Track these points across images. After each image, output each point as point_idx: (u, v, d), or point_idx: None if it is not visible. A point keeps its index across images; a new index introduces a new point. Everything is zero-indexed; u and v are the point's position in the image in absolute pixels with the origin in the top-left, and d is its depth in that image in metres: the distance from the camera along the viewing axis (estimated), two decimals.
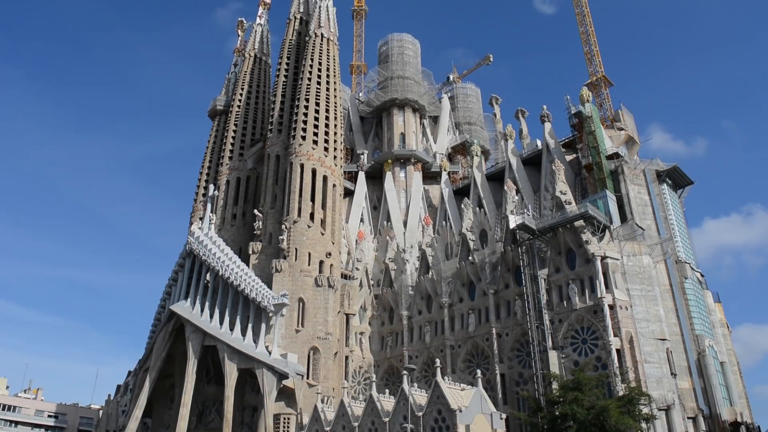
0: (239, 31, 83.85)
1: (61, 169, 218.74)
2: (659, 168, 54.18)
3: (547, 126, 63.59)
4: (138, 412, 51.68)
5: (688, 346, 45.01)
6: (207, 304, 51.65)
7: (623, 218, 49.67)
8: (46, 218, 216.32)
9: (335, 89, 63.59)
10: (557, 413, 35.73)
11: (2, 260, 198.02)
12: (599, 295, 43.78)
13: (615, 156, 54.67)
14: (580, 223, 46.91)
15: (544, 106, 64.69)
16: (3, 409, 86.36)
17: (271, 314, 49.01)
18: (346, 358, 55.99)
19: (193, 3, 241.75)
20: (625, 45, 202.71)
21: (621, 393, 37.45)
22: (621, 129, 60.43)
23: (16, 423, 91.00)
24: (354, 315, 58.42)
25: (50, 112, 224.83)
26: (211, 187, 62.68)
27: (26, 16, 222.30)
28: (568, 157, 60.68)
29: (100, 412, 79.24)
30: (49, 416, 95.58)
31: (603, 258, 45.14)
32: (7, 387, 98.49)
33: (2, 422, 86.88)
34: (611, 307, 43.24)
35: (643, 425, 35.50)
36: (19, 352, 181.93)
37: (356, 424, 41.68)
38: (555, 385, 39.20)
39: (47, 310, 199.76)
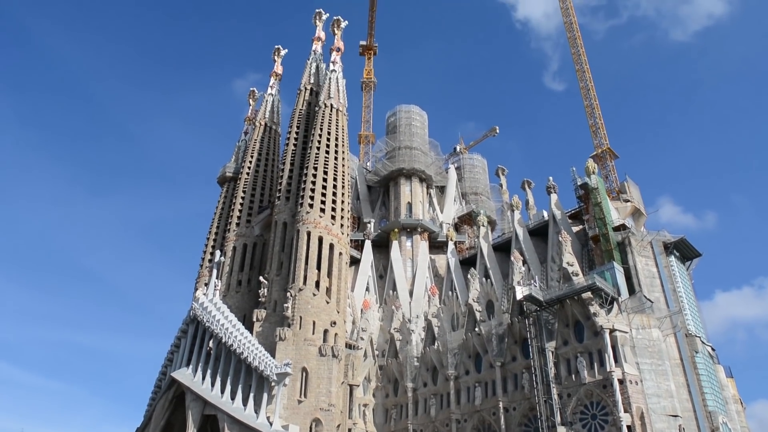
0: (251, 100, 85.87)
1: (70, 230, 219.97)
2: (666, 240, 54.10)
3: (554, 197, 63.97)
4: None
5: (701, 423, 43.72)
6: (209, 371, 50.86)
7: (631, 290, 49.24)
8: (52, 280, 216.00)
9: (343, 158, 64.47)
10: None
11: (3, 321, 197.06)
12: (608, 369, 42.91)
13: (622, 227, 54.72)
14: (587, 294, 46.50)
15: (550, 178, 65.32)
16: None
17: (273, 384, 48.11)
18: (349, 430, 54.51)
19: (212, 72, 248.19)
20: (631, 118, 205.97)
21: None
22: (627, 201, 60.70)
23: None
24: (358, 386, 57.28)
25: (64, 174, 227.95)
26: (218, 252, 62.79)
27: (43, 77, 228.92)
28: (575, 229, 60.75)
29: None
30: None
31: (611, 331, 44.49)
32: None
33: None
34: (621, 382, 42.29)
35: None
36: (15, 417, 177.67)
37: None
38: None
39: (46, 373, 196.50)
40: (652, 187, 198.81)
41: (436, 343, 57.54)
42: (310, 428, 49.82)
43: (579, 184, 58.08)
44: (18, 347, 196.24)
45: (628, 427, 40.59)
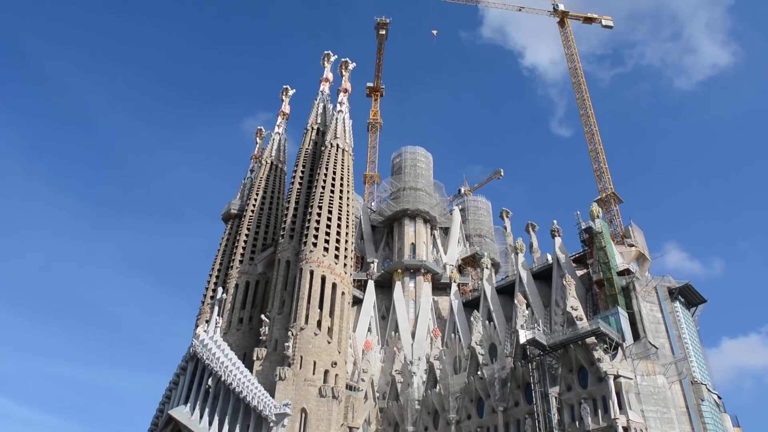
0: (257, 138, 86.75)
1: (73, 264, 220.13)
2: (671, 285, 53.70)
3: (558, 240, 63.86)
4: None
5: None
6: (207, 410, 50.10)
7: (636, 336, 48.67)
8: (53, 313, 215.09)
9: (348, 198, 64.73)
10: None
11: (2, 354, 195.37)
12: (613, 416, 42.08)
13: (626, 272, 54.41)
14: (591, 339, 45.93)
15: (555, 221, 65.28)
16: None
17: (272, 424, 47.34)
18: None
19: (223, 110, 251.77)
20: (637, 164, 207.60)
21: None
22: (632, 245, 60.54)
23: None
24: (358, 429, 56.23)
25: (69, 207, 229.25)
26: (220, 289, 62.52)
27: (51, 109, 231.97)
28: (579, 272, 60.45)
29: None
30: None
31: (616, 377, 43.79)
32: None
33: None
34: (626, 430, 41.41)
35: None
36: None
37: None
38: None
39: (43, 408, 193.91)
40: (657, 232, 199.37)
41: (437, 386, 56.77)
42: None
43: (583, 227, 58.03)
44: (16, 381, 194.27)
45: None
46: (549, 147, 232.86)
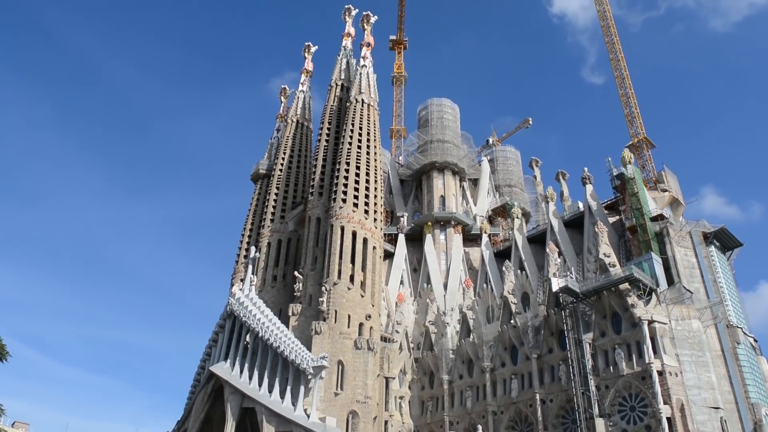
0: (282, 97, 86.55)
1: (109, 230, 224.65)
2: (706, 230, 53.02)
3: (589, 188, 63.17)
4: None
5: (743, 415, 42.80)
6: (246, 365, 51.52)
7: (670, 281, 48.38)
8: (94, 279, 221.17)
9: (375, 153, 64.63)
10: None
11: (51, 319, 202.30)
12: (647, 361, 42.31)
13: (659, 218, 53.77)
14: (625, 286, 45.88)
15: (585, 168, 64.45)
16: None
17: (310, 377, 48.55)
18: (386, 422, 54.81)
19: (251, 71, 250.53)
20: (671, 109, 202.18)
21: None
22: (665, 191, 59.62)
23: None
24: (394, 379, 57.50)
25: (102, 174, 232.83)
26: (253, 249, 63.47)
27: (81, 78, 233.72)
28: (611, 219, 59.92)
29: None
30: None
31: (650, 322, 43.83)
32: None
33: None
34: (660, 374, 41.68)
35: None
36: (60, 411, 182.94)
37: None
38: None
39: (89, 369, 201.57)
40: (693, 177, 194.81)
41: (471, 336, 57.41)
42: (347, 420, 50.23)
43: (615, 174, 57.30)
44: (62, 345, 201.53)
45: (668, 419, 40.01)
46: (580, 95, 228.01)
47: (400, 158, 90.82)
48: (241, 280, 61.38)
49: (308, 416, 47.14)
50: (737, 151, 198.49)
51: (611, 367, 44.53)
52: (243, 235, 72.27)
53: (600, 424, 42.39)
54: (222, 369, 52.18)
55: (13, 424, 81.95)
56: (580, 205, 64.25)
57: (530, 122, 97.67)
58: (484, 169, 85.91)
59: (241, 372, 51.15)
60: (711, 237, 52.76)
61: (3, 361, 16.14)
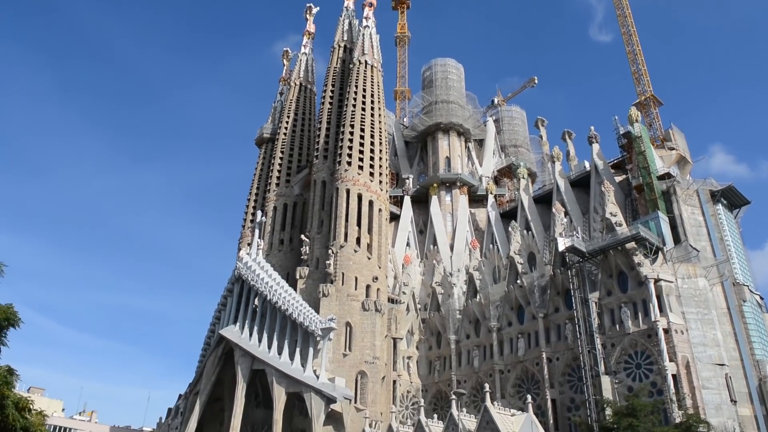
0: (284, 60, 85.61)
1: (116, 197, 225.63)
2: (713, 188, 52.77)
3: (595, 147, 62.72)
4: None
5: (748, 372, 43.22)
6: (255, 328, 52.12)
7: (676, 240, 48.36)
8: (102, 246, 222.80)
9: (380, 115, 64.16)
10: None
11: (61, 287, 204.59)
12: (653, 319, 42.57)
13: (666, 176, 53.51)
14: (631, 245, 45.90)
15: (592, 127, 63.93)
16: (59, 431, 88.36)
17: (318, 338, 49.12)
18: (394, 382, 55.62)
19: (253, 35, 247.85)
20: (680, 66, 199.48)
21: (678, 420, 36.11)
22: (672, 149, 59.19)
23: None
24: (401, 339, 58.14)
25: (107, 142, 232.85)
26: (259, 213, 63.60)
27: (83, 46, 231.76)
28: (618, 178, 59.64)
29: None
30: None
31: (656, 280, 43.96)
32: (63, 409, 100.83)
33: None
34: (666, 331, 41.97)
35: None
36: (74, 376, 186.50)
37: None
38: (608, 411, 38.01)
39: (101, 335, 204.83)
40: (701, 135, 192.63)
41: (478, 296, 57.79)
42: (356, 380, 50.96)
43: (622, 133, 56.78)
44: (74, 312, 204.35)
45: (674, 375, 40.43)
46: (587, 53, 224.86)
47: (405, 120, 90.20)
48: (248, 245, 61.71)
49: (318, 377, 47.84)
50: (747, 109, 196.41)
51: (617, 326, 44.84)
52: (249, 199, 72.38)
53: (606, 381, 42.86)
54: (232, 332, 52.82)
55: (29, 389, 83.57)
56: (587, 164, 63.91)
57: (536, 81, 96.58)
58: (489, 129, 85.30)
59: (251, 335, 51.78)
60: (718, 195, 52.55)
61: (16, 328, 16.28)
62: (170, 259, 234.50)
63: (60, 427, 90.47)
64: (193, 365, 64.91)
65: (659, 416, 36.33)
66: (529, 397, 40.86)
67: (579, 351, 45.46)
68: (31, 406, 16.92)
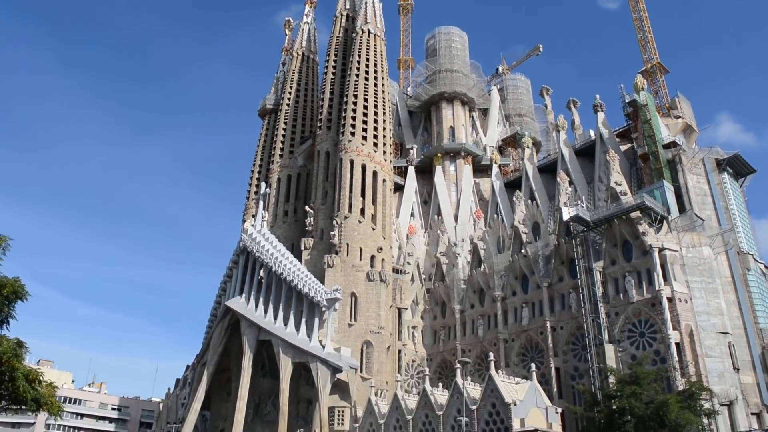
0: (286, 30, 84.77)
1: (120, 170, 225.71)
2: (719, 156, 52.42)
3: (601, 116, 62.26)
4: (197, 405, 53.00)
5: (751, 340, 43.46)
6: (261, 299, 52.53)
7: (681, 209, 48.22)
8: (107, 219, 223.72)
9: (383, 84, 63.69)
10: (614, 407, 34.90)
11: (67, 261, 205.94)
12: (657, 288, 42.67)
13: (672, 145, 53.12)
14: (636, 214, 45.79)
15: (597, 96, 63.47)
16: (69, 402, 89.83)
17: (323, 309, 49.49)
18: (399, 351, 56.13)
19: (255, 7, 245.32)
20: (686, 32, 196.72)
21: (681, 387, 36.40)
22: (678, 117, 58.64)
23: (82, 415, 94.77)
24: (406, 309, 58.51)
25: (110, 115, 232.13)
26: (263, 184, 63.66)
27: (84, 19, 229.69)
28: (623, 147, 59.31)
29: (161, 405, 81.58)
30: (113, 409, 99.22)
31: (661, 249, 43.94)
32: (73, 381, 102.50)
33: (70, 414, 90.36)
34: (670, 300, 42.09)
35: (705, 421, 34.36)
36: (84, 348, 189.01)
37: (410, 417, 41.79)
38: (612, 379, 38.30)
39: (109, 307, 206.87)
40: (708, 103, 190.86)
41: (482, 266, 57.92)
42: (361, 350, 51.47)
43: (627, 101, 56.30)
44: (81, 285, 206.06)
45: (677, 344, 40.64)
46: (592, 21, 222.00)
47: (408, 89, 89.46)
48: (253, 216, 61.86)
49: (323, 347, 48.33)
50: (756, 77, 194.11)
51: (621, 295, 44.98)
52: (252, 171, 72.31)
53: (609, 349, 43.13)
54: (237, 303, 53.25)
55: (38, 362, 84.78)
56: (592, 133, 63.52)
57: (541, 49, 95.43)
58: (493, 98, 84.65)
59: (257, 306, 52.20)
60: (724, 164, 52.23)
61: (23, 300, 16.34)
62: (175, 231, 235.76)
63: (70, 399, 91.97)
64: (200, 337, 65.60)
65: (662, 384, 36.61)
66: (533, 365, 41.18)
67: (583, 320, 45.67)
68: (41, 378, 17.05)
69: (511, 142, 78.48)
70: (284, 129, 69.90)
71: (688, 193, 49.51)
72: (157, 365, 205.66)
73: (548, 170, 66.30)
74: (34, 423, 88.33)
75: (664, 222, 45.90)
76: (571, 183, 57.97)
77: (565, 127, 66.73)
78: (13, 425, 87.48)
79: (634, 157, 57.15)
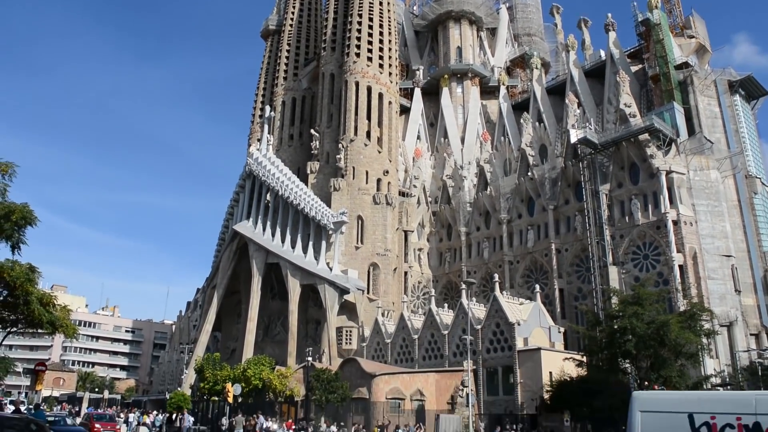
0: None
1: (124, 96, 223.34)
2: (732, 78, 51.34)
3: (612, 35, 60.61)
4: (208, 327, 54.47)
5: (754, 263, 43.92)
6: (268, 223, 53.01)
7: (691, 131, 47.67)
8: (113, 146, 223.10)
9: (388, 3, 61.97)
10: (616, 327, 35.59)
11: (76, 188, 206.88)
12: (663, 211, 42.79)
13: (684, 66, 51.91)
14: (644, 136, 45.39)
15: (609, 15, 61.48)
16: (84, 326, 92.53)
17: (330, 232, 49.99)
18: (405, 273, 57.03)
19: None
20: None
21: (682, 308, 37.01)
22: (692, 37, 57.03)
23: (98, 338, 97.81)
24: (412, 232, 59.03)
25: (111, 40, 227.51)
26: (267, 108, 62.97)
27: None
28: (634, 68, 58.00)
29: (173, 326, 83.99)
30: (127, 331, 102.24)
31: (668, 173, 43.79)
32: (86, 305, 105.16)
33: (85, 337, 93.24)
34: (675, 223, 42.32)
35: (704, 341, 35.07)
36: (96, 273, 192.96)
37: (416, 336, 42.92)
38: (614, 300, 38.89)
39: (120, 233, 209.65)
40: (725, 24, 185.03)
41: (488, 189, 57.99)
42: (368, 272, 52.35)
43: (640, 20, 54.61)
44: (91, 212, 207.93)
45: (680, 266, 41.14)
46: None
47: (415, 8, 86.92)
48: (258, 140, 61.54)
49: (331, 269, 49.14)
50: None
51: (627, 217, 45.17)
52: (257, 94, 71.36)
53: (613, 271, 43.73)
54: (245, 227, 53.79)
55: (52, 287, 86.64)
56: (602, 54, 62.00)
57: None
58: (502, 17, 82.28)
59: (264, 230, 52.75)
60: (736, 85, 51.24)
61: (33, 226, 16.51)
62: (181, 156, 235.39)
63: (85, 322, 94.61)
64: (210, 260, 66.62)
65: (664, 305, 37.07)
66: (537, 286, 41.94)
67: (588, 242, 46.09)
68: (55, 302, 17.46)
69: (520, 62, 76.81)
70: (288, 51, 68.53)
71: (699, 115, 48.79)
72: (168, 289, 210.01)
73: (557, 92, 65.18)
74: (51, 345, 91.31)
75: (673, 145, 45.52)
76: (579, 105, 57.16)
77: (575, 47, 65.09)
78: (32, 348, 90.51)
79: (644, 78, 55.97)
